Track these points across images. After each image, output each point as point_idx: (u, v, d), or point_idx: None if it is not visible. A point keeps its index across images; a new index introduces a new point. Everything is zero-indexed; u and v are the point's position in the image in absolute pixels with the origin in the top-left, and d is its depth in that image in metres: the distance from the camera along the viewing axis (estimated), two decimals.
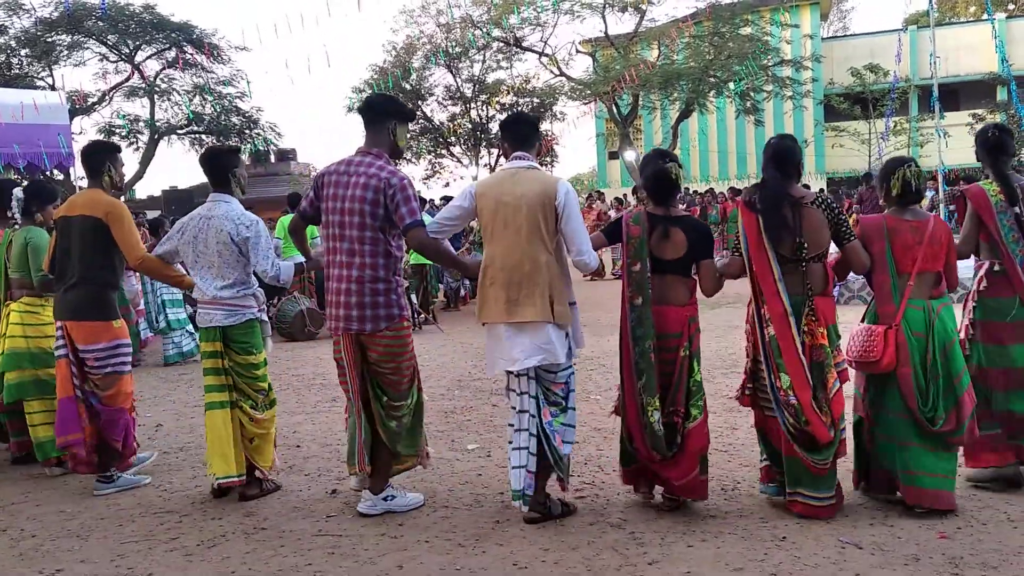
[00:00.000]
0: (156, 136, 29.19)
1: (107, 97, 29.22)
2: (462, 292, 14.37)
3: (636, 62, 23.84)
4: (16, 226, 5.44)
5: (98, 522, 4.36)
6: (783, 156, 4.05)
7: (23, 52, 27.84)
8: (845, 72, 27.22)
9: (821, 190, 20.78)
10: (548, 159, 33.07)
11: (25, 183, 5.28)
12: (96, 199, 4.70)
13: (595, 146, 34.26)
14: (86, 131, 29.13)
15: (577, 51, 28.86)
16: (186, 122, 29.59)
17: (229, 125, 29.52)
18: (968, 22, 34.97)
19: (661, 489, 4.16)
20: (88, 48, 28.52)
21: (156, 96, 29.46)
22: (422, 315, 11.66)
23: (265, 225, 4.67)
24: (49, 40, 27.59)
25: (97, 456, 4.81)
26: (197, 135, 30.13)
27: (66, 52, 28.32)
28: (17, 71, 27.65)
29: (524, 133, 4.16)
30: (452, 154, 33.56)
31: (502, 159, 4.30)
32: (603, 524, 3.98)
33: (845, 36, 35.20)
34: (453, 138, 33.04)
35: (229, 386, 4.51)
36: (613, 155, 33.10)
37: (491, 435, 5.69)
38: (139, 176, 28.95)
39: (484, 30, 28.43)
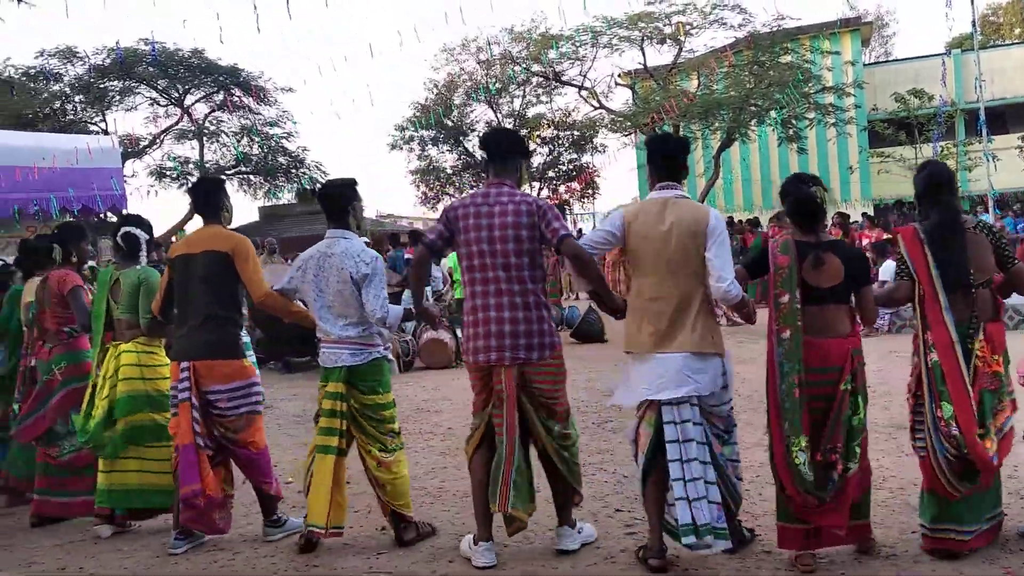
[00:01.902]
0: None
1: (158, 140, 30.00)
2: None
3: (676, 93, 23.86)
4: (109, 264, 5.33)
5: (153, 560, 4.42)
6: (950, 181, 3.96)
7: (77, 98, 28.74)
8: (889, 98, 26.93)
9: (864, 213, 20.49)
10: (589, 191, 33.14)
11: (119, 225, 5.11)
12: (220, 234, 4.58)
13: (636, 177, 34.24)
14: (138, 174, 29.87)
15: (616, 83, 28.98)
16: (234, 163, 30.25)
17: (276, 165, 30.12)
18: (1013, 44, 34.47)
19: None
20: (139, 93, 29.38)
21: (205, 138, 30.19)
22: None
23: (383, 263, 4.49)
24: (102, 86, 28.48)
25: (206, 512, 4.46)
26: (245, 175, 30.78)
27: (118, 97, 29.19)
28: (72, 117, 28.54)
29: (670, 162, 4.03)
30: None
31: (526, 187, 4.18)
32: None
33: (888, 62, 34.90)
34: None
35: (342, 432, 4.27)
36: None
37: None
38: (190, 216, 29.56)
39: (523, 66, 28.71)
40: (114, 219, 26.26)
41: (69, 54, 28.08)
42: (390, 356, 4.46)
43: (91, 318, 5.05)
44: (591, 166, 32.38)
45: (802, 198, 3.92)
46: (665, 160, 4.03)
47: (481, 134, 4.83)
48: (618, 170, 53.74)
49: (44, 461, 5.16)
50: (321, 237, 4.54)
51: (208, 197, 4.70)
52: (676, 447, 3.73)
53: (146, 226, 5.12)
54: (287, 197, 30.03)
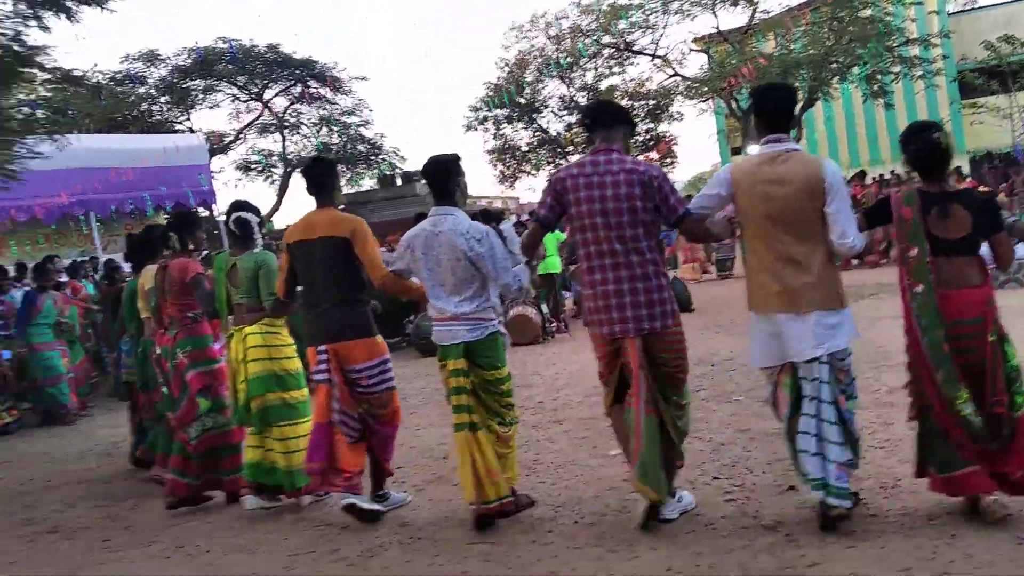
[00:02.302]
0: (288, 169, 30.50)
1: (241, 135, 30.79)
2: None
3: (752, 55, 23.27)
4: (220, 252, 5.45)
5: (264, 537, 4.59)
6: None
7: (162, 99, 29.67)
8: (978, 46, 25.74)
9: (957, 168, 19.65)
10: (667, 160, 32.70)
11: (236, 214, 5.14)
12: (335, 218, 4.58)
13: (716, 144, 33.58)
14: (225, 169, 30.73)
15: (690, 50, 28.43)
16: (315, 153, 30.78)
17: (355, 153, 30.61)
18: None
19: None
20: (220, 91, 30.14)
21: (286, 130, 30.83)
22: (553, 323, 11.72)
23: (496, 235, 4.41)
24: (184, 86, 29.32)
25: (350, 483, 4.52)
26: None
27: (201, 96, 30.02)
28: (159, 118, 29.49)
29: (778, 113, 3.88)
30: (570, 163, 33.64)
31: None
32: (757, 527, 3.88)
33: (974, 9, 33.29)
34: (571, 147, 33.12)
35: (471, 407, 4.20)
36: (736, 151, 32.35)
37: None
38: (276, 208, 30.31)
39: (594, 38, 28.40)
40: (205, 214, 27.19)
41: (152, 57, 28.97)
42: (503, 330, 4.40)
43: (216, 304, 5.15)
44: (668, 135, 31.92)
45: (925, 146, 3.74)
46: (773, 111, 3.88)
47: (584, 105, 4.78)
48: (696, 137, 52.82)
49: (181, 443, 5.31)
50: (402, 221, 4.62)
51: (322, 179, 4.69)
52: (810, 404, 3.72)
53: (255, 210, 5.19)
54: (368, 184, 30.47)
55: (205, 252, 9.80)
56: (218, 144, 29.12)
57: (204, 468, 5.23)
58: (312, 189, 4.71)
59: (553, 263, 11.77)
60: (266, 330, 4.96)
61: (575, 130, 32.03)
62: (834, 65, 22.81)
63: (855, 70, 23.15)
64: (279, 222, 29.25)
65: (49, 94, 22.61)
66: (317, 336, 4.56)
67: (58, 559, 4.60)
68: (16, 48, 10.82)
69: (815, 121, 28.57)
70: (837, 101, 26.63)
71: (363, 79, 31.42)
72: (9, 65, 10.92)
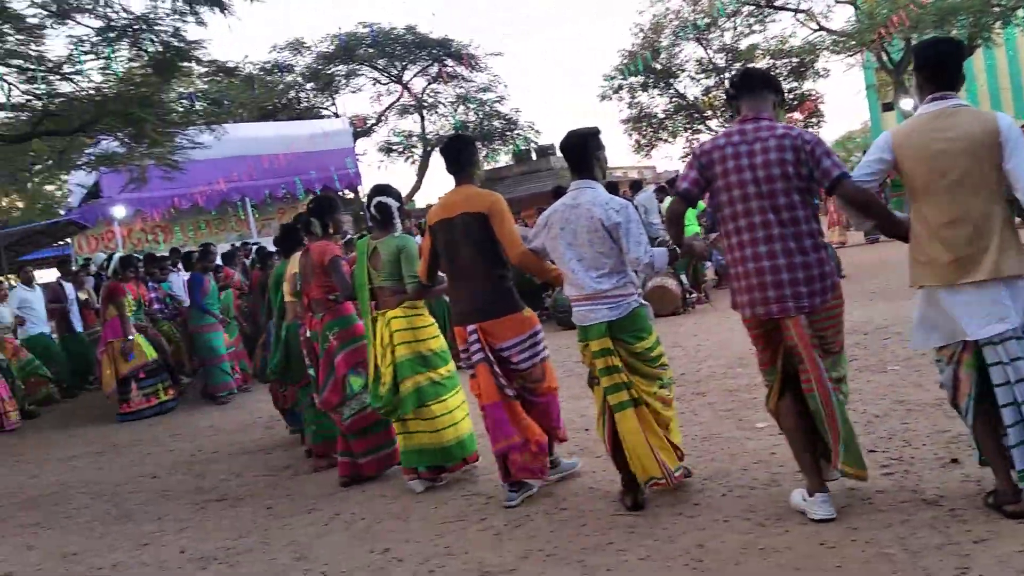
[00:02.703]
0: (428, 149, 31.14)
1: (383, 118, 31.64)
2: None
3: (904, 3, 21.89)
4: (359, 236, 5.51)
5: (416, 505, 4.75)
6: None
7: (308, 86, 30.83)
8: None
9: None
10: (813, 120, 31.33)
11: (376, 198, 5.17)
12: (474, 195, 4.56)
13: (866, 100, 31.89)
14: (368, 151, 31.68)
15: (836, 1, 27.04)
16: (453, 131, 31.26)
17: (492, 129, 30.89)
18: None
19: None
20: (362, 74, 31.03)
21: (424, 111, 31.45)
22: (694, 294, 11.51)
23: (635, 209, 4.31)
24: (328, 72, 30.35)
25: (537, 457, 4.51)
26: None
27: (344, 81, 31.00)
28: (305, 104, 30.68)
29: (943, 68, 3.55)
30: (710, 128, 32.76)
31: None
32: (917, 501, 3.70)
33: None
34: (709, 112, 32.26)
35: (627, 384, 4.11)
36: (888, 106, 30.64)
37: None
38: (416, 187, 31.07)
39: None
40: (351, 196, 28.18)
41: (298, 45, 30.14)
42: (644, 301, 4.27)
43: (355, 288, 5.22)
44: (813, 93, 30.56)
45: None
46: (938, 67, 3.58)
47: (731, 76, 4.56)
48: (844, 94, 50.28)
49: (338, 426, 5.43)
50: (537, 196, 4.61)
51: (459, 156, 4.68)
52: (1008, 390, 3.35)
53: (395, 194, 5.24)
54: (504, 160, 30.73)
55: (348, 236, 10.18)
56: (361, 127, 30.03)
57: (363, 446, 5.35)
58: (451, 167, 4.71)
59: (692, 232, 11.54)
60: (410, 313, 5.00)
61: (713, 94, 31.16)
62: (997, 8, 21.14)
63: (1020, 12, 21.37)
64: (419, 201, 29.98)
65: (205, 86, 23.92)
66: (464, 316, 4.57)
67: (226, 524, 4.91)
68: (176, 43, 11.49)
69: (975, 72, 26.65)
70: (1000, 48, 24.70)
71: (498, 55, 31.54)
72: (170, 60, 11.62)
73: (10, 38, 10.57)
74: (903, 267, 3.75)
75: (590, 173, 4.27)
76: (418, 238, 6.99)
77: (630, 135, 33.93)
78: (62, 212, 24.10)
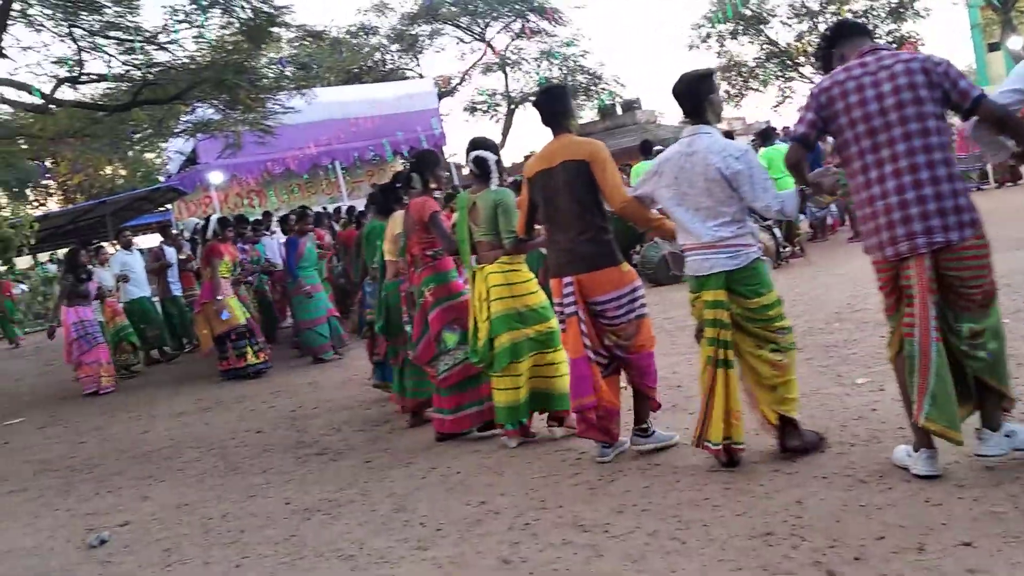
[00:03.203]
0: (512, 106, 31.03)
1: (467, 76, 31.62)
2: (829, 220, 13.59)
3: None
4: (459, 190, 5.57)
5: (509, 460, 4.81)
6: None
7: (393, 48, 31.02)
8: None
9: None
10: None
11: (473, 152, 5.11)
12: (573, 143, 4.44)
13: (970, 40, 30.24)
14: (452, 111, 31.77)
15: None
16: (537, 88, 31.03)
17: (576, 84, 30.55)
18: None
19: None
20: (445, 34, 31.03)
21: (508, 68, 31.28)
22: (788, 247, 11.24)
23: (754, 153, 4.13)
24: (412, 32, 30.45)
25: (601, 421, 4.47)
26: None
27: (428, 41, 31.07)
28: (391, 66, 30.91)
29: None
30: (803, 76, 31.65)
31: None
32: None
33: None
34: (802, 58, 31.14)
35: (727, 342, 3.97)
36: (993, 47, 29.01)
37: (881, 367, 5.32)
38: (502, 145, 31.04)
39: None
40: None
41: (382, 7, 30.29)
42: (764, 256, 4.09)
43: (456, 242, 5.21)
44: (913, 35, 29.12)
45: None
46: None
47: (825, 27, 4.30)
48: (945, 35, 47.76)
49: (432, 380, 5.46)
50: (623, 151, 4.52)
51: (555, 106, 4.57)
52: None
53: (493, 147, 5.16)
54: (588, 115, 30.40)
55: (449, 190, 10.24)
56: (445, 87, 30.10)
57: (453, 402, 5.35)
58: (546, 119, 4.59)
59: (786, 183, 11.22)
60: (506, 268, 4.96)
61: (807, 39, 30.02)
62: None
63: None
64: (504, 160, 29.98)
65: (294, 51, 24.24)
66: (561, 267, 4.47)
67: (328, 477, 5.07)
68: (265, 9, 11.69)
69: None
70: None
71: (581, 7, 31.10)
72: (260, 26, 11.83)
73: (108, 10, 10.94)
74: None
75: (703, 118, 4.08)
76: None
77: (719, 84, 33.07)
78: (162, 179, 25.02)
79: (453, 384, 5.33)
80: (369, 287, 6.94)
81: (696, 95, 4.08)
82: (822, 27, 29.86)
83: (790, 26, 31.06)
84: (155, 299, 12.02)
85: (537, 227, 4.84)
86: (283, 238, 11.13)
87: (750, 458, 4.13)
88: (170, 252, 12.01)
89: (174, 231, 13.71)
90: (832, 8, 29.31)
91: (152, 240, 22.24)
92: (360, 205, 13.99)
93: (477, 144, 5.16)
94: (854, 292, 7.76)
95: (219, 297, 9.11)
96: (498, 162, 5.12)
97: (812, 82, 30.54)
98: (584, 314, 4.38)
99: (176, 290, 11.94)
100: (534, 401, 5.04)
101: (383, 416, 6.43)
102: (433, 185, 5.54)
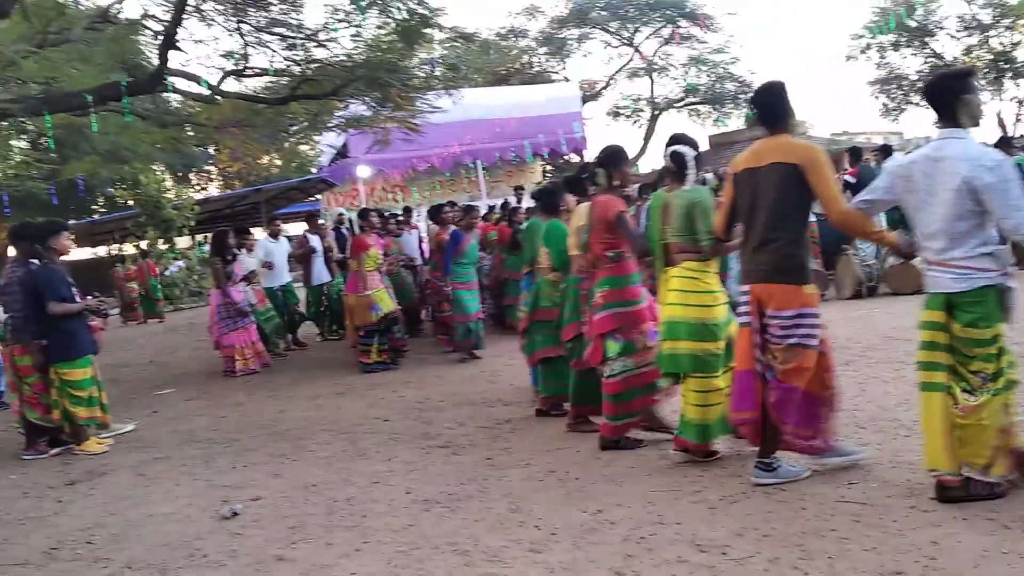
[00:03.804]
0: (656, 112, 30.69)
1: (612, 80, 31.50)
2: None
3: None
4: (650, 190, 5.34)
5: (629, 471, 4.75)
6: None
7: (541, 51, 31.25)
8: None
9: None
10: None
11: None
12: (788, 145, 4.12)
13: None
14: (596, 116, 31.77)
15: None
16: (683, 95, 30.61)
17: (724, 92, 29.94)
18: None
19: None
20: (594, 38, 31.02)
21: (654, 73, 30.97)
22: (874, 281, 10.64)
23: (1013, 168, 3.75)
24: (561, 36, 30.59)
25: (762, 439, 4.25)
26: (694, 106, 31.03)
27: (576, 44, 31.14)
28: (537, 69, 31.15)
29: None
30: None
31: None
32: None
33: None
34: None
35: (943, 366, 3.69)
36: None
37: None
38: (642, 152, 30.78)
39: None
40: (576, 160, 28.19)
41: (533, 10, 30.56)
42: (1008, 283, 3.65)
43: (648, 242, 4.94)
44: None
45: None
46: None
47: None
48: None
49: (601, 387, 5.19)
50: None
51: (773, 103, 4.23)
52: None
53: (691, 143, 4.84)
54: (735, 124, 29.72)
55: (638, 186, 10.13)
56: (590, 91, 30.08)
57: (614, 410, 5.13)
58: (763, 116, 4.26)
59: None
60: (688, 274, 4.67)
61: (976, 53, 28.32)
62: None
63: None
64: (644, 167, 29.67)
65: (445, 52, 24.80)
66: (747, 275, 4.23)
67: (449, 470, 5.15)
68: (420, 11, 12.01)
69: None
70: None
71: (733, 14, 30.48)
72: (415, 27, 12.16)
73: (274, 7, 11.49)
74: None
75: (955, 120, 3.73)
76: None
77: (877, 98, 31.69)
78: (314, 170, 26.11)
79: (615, 393, 5.10)
80: (525, 282, 6.86)
81: (948, 94, 3.75)
82: (993, 41, 28.12)
83: (958, 39, 29.40)
84: (298, 285, 12.38)
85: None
86: (425, 233, 11.27)
87: (886, 491, 3.93)
88: (314, 240, 12.27)
89: (320, 221, 14.20)
90: (1006, 22, 27.53)
91: (299, 228, 23.19)
92: (499, 204, 14.15)
93: (676, 139, 4.86)
94: None
95: (366, 292, 9.00)
96: (697, 158, 4.79)
97: None
98: (758, 325, 4.14)
99: (325, 276, 12.06)
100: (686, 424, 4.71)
101: (506, 414, 6.48)
102: (617, 182, 5.22)
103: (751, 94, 4.40)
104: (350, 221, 9.55)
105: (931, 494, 3.80)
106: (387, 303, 9.22)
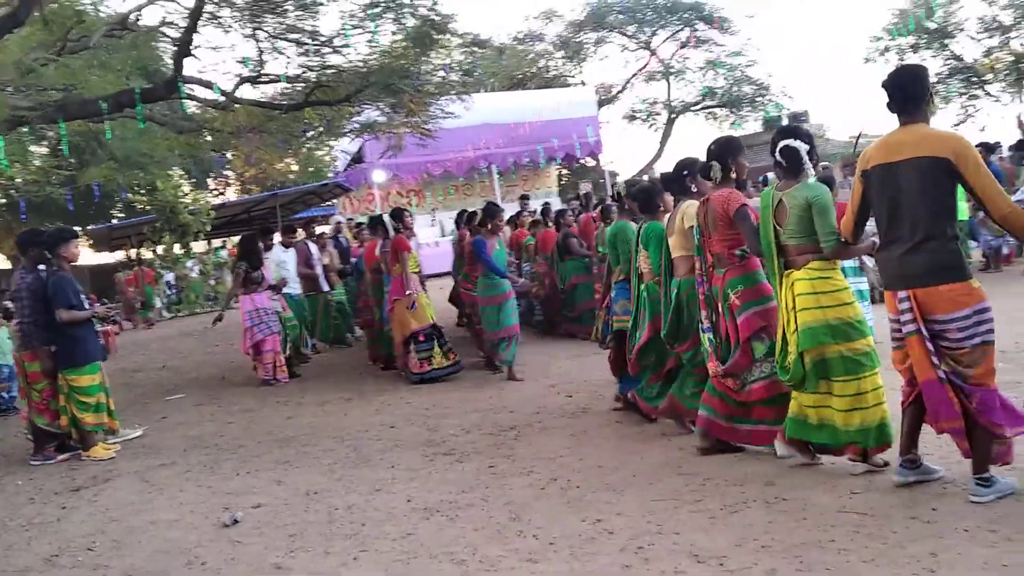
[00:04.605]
0: (672, 116, 30.60)
1: (628, 84, 31.45)
2: (1005, 250, 12.59)
3: None
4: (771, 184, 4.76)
5: (631, 479, 4.72)
6: None
7: (558, 55, 31.26)
8: None
9: None
10: None
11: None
12: (931, 136, 3.79)
13: None
14: (611, 121, 31.75)
15: None
16: (700, 98, 30.51)
17: (741, 95, 29.83)
18: None
19: None
20: (611, 42, 31.01)
21: (671, 77, 30.89)
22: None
23: None
24: (578, 40, 30.58)
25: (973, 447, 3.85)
26: (710, 109, 30.92)
27: (593, 48, 31.13)
28: (554, 72, 31.15)
29: None
30: (988, 94, 29.57)
31: None
32: None
33: None
34: (990, 75, 29.10)
35: None
36: None
37: None
38: (658, 155, 30.68)
39: None
40: (592, 164, 28.15)
41: (550, 14, 30.58)
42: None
43: (762, 243, 4.57)
44: None
45: None
46: None
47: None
48: None
49: (722, 391, 4.91)
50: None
51: (910, 88, 3.88)
52: None
53: (805, 136, 4.48)
54: (752, 127, 29.61)
55: (601, 206, 9.93)
56: (606, 95, 30.04)
57: (760, 414, 4.80)
58: (897, 102, 3.90)
59: (960, 209, 10.46)
60: (815, 274, 4.33)
61: (996, 55, 28.04)
62: None
63: None
64: (660, 170, 29.64)
65: (460, 57, 24.84)
66: (896, 279, 3.91)
67: (451, 478, 5.13)
68: (434, 17, 12.04)
69: None
70: None
71: (751, 17, 30.39)
72: (426, 33, 12.19)
73: (290, 14, 11.56)
74: None
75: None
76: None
77: None
78: (330, 175, 26.23)
79: (760, 399, 4.77)
80: (615, 291, 6.36)
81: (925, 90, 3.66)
82: (1014, 43, 27.84)
83: (978, 41, 29.13)
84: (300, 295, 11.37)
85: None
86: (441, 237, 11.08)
87: (888, 501, 3.88)
88: (313, 248, 11.63)
89: (320, 229, 13.80)
90: None
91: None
92: (512, 209, 14.00)
93: (786, 132, 4.54)
94: None
95: (409, 292, 8.47)
96: (810, 152, 4.43)
97: (998, 100, 28.54)
98: (926, 331, 3.82)
99: (324, 286, 11.57)
100: (820, 429, 4.39)
101: (512, 421, 6.45)
102: (734, 175, 4.92)
103: (887, 79, 3.98)
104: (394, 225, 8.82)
105: (933, 504, 3.75)
106: (428, 311, 8.66)
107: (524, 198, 14.58)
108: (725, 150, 4.92)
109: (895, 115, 3.92)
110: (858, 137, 7.83)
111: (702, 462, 4.84)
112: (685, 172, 5.50)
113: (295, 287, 10.92)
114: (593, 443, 5.55)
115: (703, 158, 5.05)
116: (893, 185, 3.85)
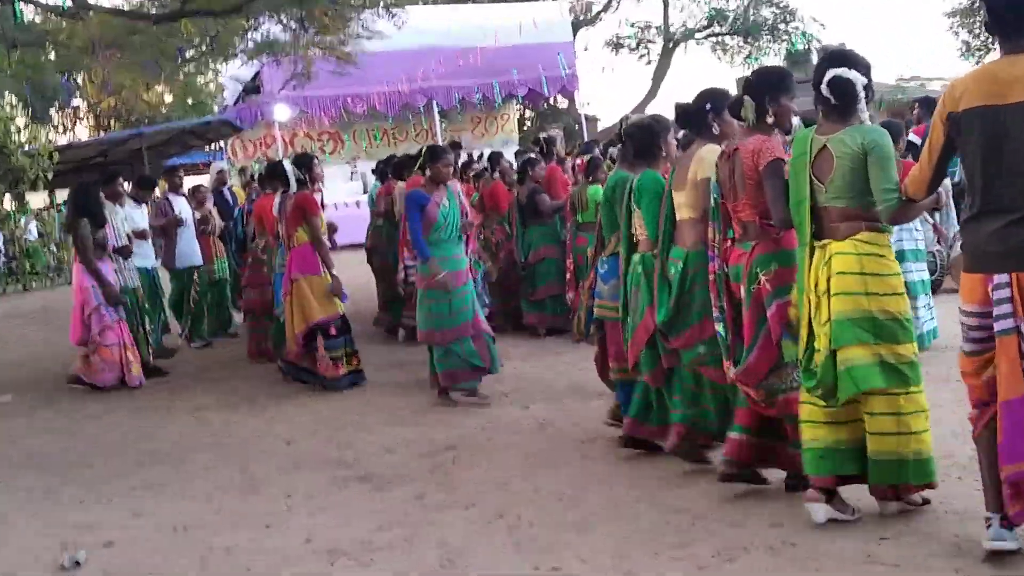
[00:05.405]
0: (670, 45, 30.75)
1: (613, 3, 31.49)
2: None
3: None
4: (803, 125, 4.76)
5: (600, 513, 4.80)
6: None
7: None
8: None
9: None
10: None
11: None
12: None
13: None
14: (590, 47, 31.77)
15: None
16: (706, 23, 30.69)
17: (759, 20, 30.05)
18: None
19: None
20: None
21: None
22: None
23: None
24: None
25: None
26: (719, 38, 31.13)
27: None
28: None
29: None
30: None
31: None
32: None
33: None
34: None
35: None
36: None
37: None
38: (652, 95, 30.84)
39: None
40: (565, 104, 28.18)
41: None
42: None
43: (789, 207, 4.46)
44: None
45: None
46: None
47: None
48: None
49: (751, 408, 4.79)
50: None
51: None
52: None
53: (863, 65, 4.36)
54: (771, 62, 29.85)
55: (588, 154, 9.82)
56: (584, 14, 30.06)
57: (784, 434, 4.74)
58: (1001, 24, 3.74)
59: None
60: (864, 249, 4.21)
61: None
62: None
63: None
64: (652, 110, 29.78)
65: None
66: (991, 258, 3.71)
67: (365, 511, 5.17)
68: None
69: None
70: None
71: None
72: None
73: None
74: None
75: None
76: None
77: (956, 33, 32.01)
78: (215, 110, 25.92)
79: (785, 415, 4.67)
80: (603, 267, 6.12)
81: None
82: None
83: None
84: (156, 268, 11.01)
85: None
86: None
87: (925, 550, 3.99)
88: (180, 205, 11.22)
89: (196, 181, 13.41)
90: None
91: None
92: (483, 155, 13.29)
93: (835, 58, 4.41)
94: None
95: (329, 271, 8.17)
96: (867, 86, 4.29)
97: None
98: None
99: (194, 259, 11.20)
100: (853, 456, 4.33)
101: (451, 439, 6.48)
102: (771, 120, 4.73)
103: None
104: (252, 176, 8.58)
105: (980, 552, 3.86)
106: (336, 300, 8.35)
107: (455, 145, 13.42)
108: (767, 85, 4.77)
109: (1000, 41, 3.75)
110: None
111: (690, 494, 4.92)
112: (708, 107, 5.30)
113: (148, 257, 10.47)
114: (552, 467, 5.61)
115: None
116: (997, 133, 3.65)
